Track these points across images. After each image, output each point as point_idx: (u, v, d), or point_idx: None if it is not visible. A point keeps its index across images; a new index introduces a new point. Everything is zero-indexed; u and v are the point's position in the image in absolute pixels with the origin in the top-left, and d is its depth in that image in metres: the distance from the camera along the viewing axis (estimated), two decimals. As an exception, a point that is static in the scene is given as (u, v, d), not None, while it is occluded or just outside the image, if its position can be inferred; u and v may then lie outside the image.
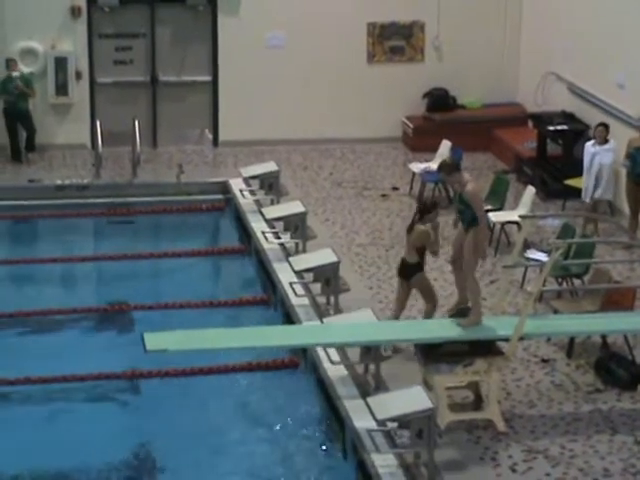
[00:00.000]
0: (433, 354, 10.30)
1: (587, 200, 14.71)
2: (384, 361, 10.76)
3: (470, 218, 10.29)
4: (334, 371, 10.87)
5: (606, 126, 14.78)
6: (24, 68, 17.51)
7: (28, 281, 14.01)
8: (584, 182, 14.81)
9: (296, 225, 13.84)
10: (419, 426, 9.22)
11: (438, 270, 13.68)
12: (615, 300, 11.43)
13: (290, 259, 13.02)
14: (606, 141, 14.66)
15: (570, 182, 15.43)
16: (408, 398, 9.44)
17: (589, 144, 14.83)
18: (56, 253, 14.57)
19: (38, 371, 11.23)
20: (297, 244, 13.82)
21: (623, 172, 14.69)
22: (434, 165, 16.20)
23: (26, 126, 17.38)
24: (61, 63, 17.70)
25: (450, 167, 10.38)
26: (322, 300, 12.38)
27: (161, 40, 18.18)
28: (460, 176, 10.30)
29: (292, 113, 18.22)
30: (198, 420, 10.65)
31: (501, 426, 10.11)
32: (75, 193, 16.16)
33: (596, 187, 14.61)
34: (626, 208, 14.68)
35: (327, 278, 12.26)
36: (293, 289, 12.52)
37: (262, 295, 13.32)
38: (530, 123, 17.58)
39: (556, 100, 17.27)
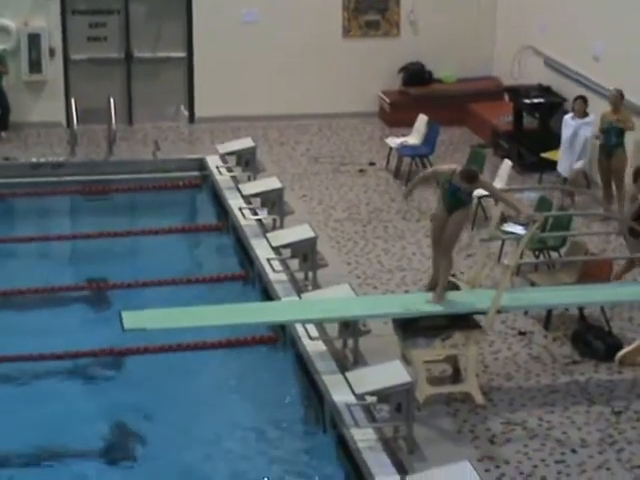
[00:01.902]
0: (411, 328, 10.33)
1: (564, 174, 14.73)
2: (362, 336, 10.78)
3: (466, 200, 10.39)
4: (313, 346, 10.89)
5: (585, 99, 14.79)
6: (-4, 45, 17.40)
7: (4, 259, 13.94)
8: (561, 155, 14.83)
9: (273, 201, 13.83)
10: (398, 400, 9.26)
11: (416, 244, 13.71)
12: (592, 272, 11.49)
13: (267, 235, 13.01)
14: (585, 114, 14.69)
15: (546, 155, 15.46)
16: (387, 372, 9.47)
17: (568, 117, 14.84)
18: (32, 231, 14.51)
19: (15, 350, 11.20)
20: (274, 220, 13.81)
21: (595, 145, 14.74)
22: (411, 140, 16.23)
23: (0, 104, 17.25)
24: (34, 40, 17.55)
25: (476, 176, 10.35)
26: (300, 276, 12.39)
27: (135, 16, 18.05)
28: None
29: (268, 89, 18.16)
30: (177, 397, 10.64)
31: (479, 399, 10.16)
32: (50, 171, 16.07)
33: (578, 160, 14.64)
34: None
35: (305, 254, 12.27)
36: (271, 265, 12.52)
37: (240, 271, 13.31)
38: (506, 96, 17.59)
39: (532, 73, 17.28)
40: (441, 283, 10.48)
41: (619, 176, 14.21)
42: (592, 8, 15.63)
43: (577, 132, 14.61)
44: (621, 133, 14.14)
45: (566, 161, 14.78)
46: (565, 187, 14.63)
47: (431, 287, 10.73)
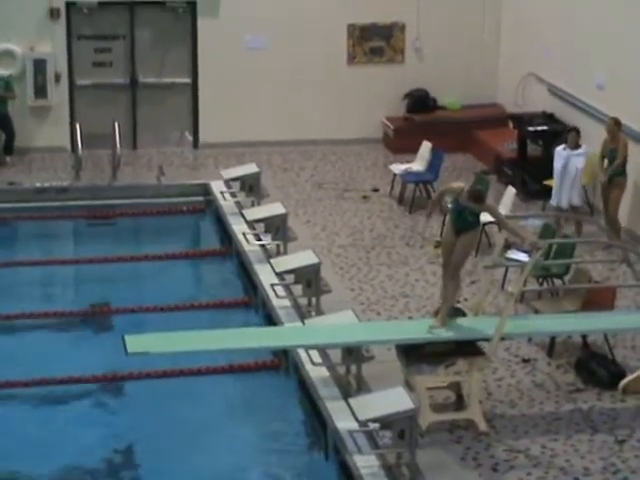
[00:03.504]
0: (414, 355, 10.31)
1: (562, 205, 14.65)
2: (365, 362, 10.76)
3: (474, 223, 10.37)
4: (316, 372, 10.88)
5: (578, 131, 14.87)
6: (2, 71, 17.44)
7: (8, 284, 13.95)
8: (556, 187, 14.79)
9: (277, 227, 13.84)
10: (401, 427, 9.24)
11: (419, 271, 13.71)
12: (595, 300, 11.48)
13: (271, 261, 13.02)
14: (578, 146, 14.73)
15: (550, 182, 15.45)
16: (390, 399, 9.45)
17: (560, 148, 14.85)
18: (36, 256, 14.52)
19: (18, 375, 11.19)
20: (278, 246, 13.82)
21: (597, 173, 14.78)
22: (415, 166, 16.27)
23: (6, 129, 17.32)
24: (40, 65, 17.63)
25: (482, 196, 10.39)
26: (303, 301, 12.39)
27: (141, 42, 18.14)
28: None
29: (272, 115, 18.22)
30: (180, 422, 10.63)
31: (482, 426, 10.13)
32: (55, 196, 16.11)
33: (572, 192, 14.61)
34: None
35: (308, 279, 12.26)
36: (274, 291, 12.51)
37: (243, 297, 13.31)
38: (510, 124, 17.62)
39: (536, 101, 17.33)
40: (446, 306, 10.47)
41: (615, 204, 14.21)
42: (596, 36, 15.68)
43: (568, 163, 14.61)
44: (622, 157, 14.17)
45: (559, 192, 14.73)
46: (569, 215, 14.63)
47: (437, 313, 10.72)
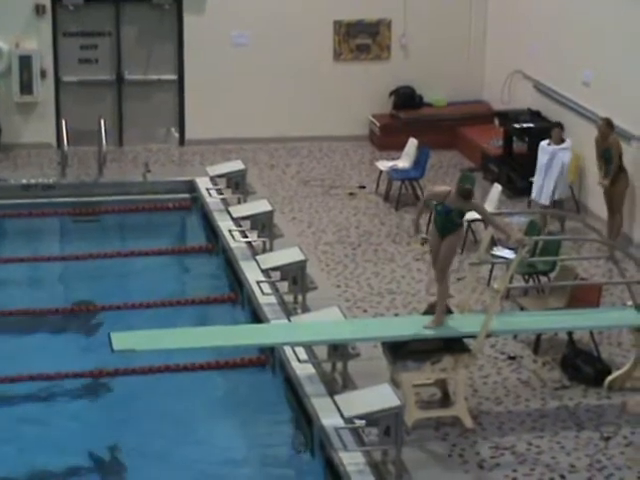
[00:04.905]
0: (400, 351, 10.32)
1: (546, 202, 14.68)
2: (351, 359, 10.77)
3: (458, 224, 10.37)
4: (302, 369, 10.87)
5: (562, 127, 14.89)
6: (-13, 67, 17.42)
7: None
8: (538, 182, 14.81)
9: (263, 224, 13.83)
10: (387, 423, 9.24)
11: (406, 268, 13.72)
12: (581, 297, 11.50)
13: (257, 258, 13.01)
14: (562, 141, 14.77)
15: (536, 179, 15.49)
16: (376, 396, 9.46)
17: (544, 143, 14.89)
18: (22, 253, 14.48)
19: (3, 371, 11.16)
20: (264, 243, 13.81)
21: (591, 169, 14.78)
22: (401, 163, 16.27)
23: (-9, 125, 17.31)
24: (26, 62, 17.58)
25: (471, 193, 10.40)
26: (289, 299, 12.38)
27: (127, 38, 18.10)
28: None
29: (258, 111, 18.20)
30: (165, 419, 10.62)
31: (468, 423, 10.15)
32: (41, 192, 16.07)
33: (556, 187, 14.64)
34: (591, 205, 14.78)
35: (294, 277, 12.26)
36: (260, 288, 12.51)
37: (229, 294, 13.30)
38: (496, 121, 17.63)
39: (522, 98, 17.35)
40: (439, 308, 10.46)
41: (619, 201, 14.19)
42: (582, 34, 15.70)
43: (553, 158, 14.64)
44: (617, 157, 14.16)
45: (542, 187, 14.76)
46: (555, 211, 14.66)
47: (427, 311, 10.71)
